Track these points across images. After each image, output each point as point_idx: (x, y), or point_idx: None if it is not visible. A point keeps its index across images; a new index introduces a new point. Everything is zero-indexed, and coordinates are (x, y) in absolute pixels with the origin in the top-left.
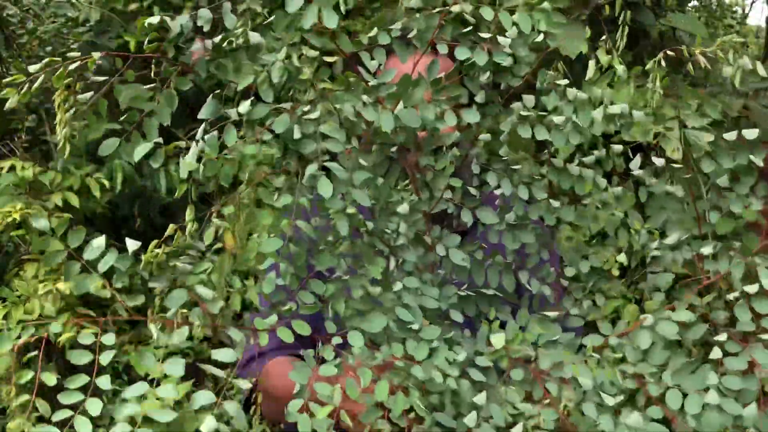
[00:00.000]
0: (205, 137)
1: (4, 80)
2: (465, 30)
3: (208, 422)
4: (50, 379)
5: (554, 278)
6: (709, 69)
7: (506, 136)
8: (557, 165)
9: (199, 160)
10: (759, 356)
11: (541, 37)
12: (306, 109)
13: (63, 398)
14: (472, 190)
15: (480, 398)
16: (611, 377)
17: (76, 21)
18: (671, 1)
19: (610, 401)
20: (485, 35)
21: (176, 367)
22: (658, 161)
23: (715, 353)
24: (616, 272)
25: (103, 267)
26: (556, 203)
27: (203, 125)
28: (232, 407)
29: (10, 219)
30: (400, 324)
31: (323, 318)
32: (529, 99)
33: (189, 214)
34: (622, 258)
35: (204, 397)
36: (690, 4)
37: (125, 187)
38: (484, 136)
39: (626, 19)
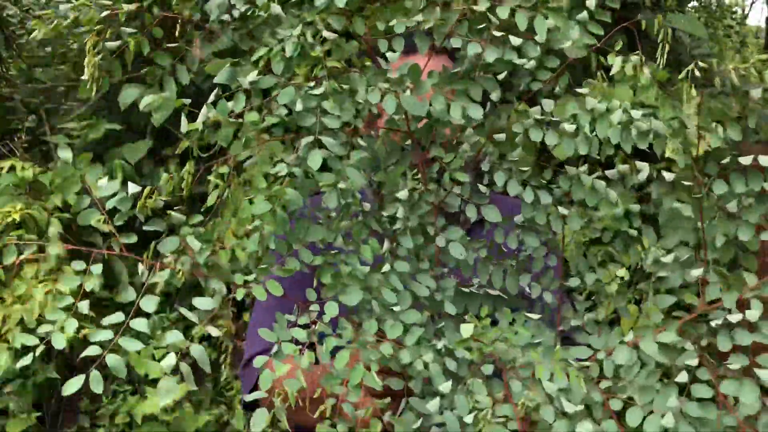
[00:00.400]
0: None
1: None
2: (479, 27)
3: (169, 359)
4: (39, 293)
5: (558, 285)
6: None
7: (521, 138)
8: (570, 173)
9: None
10: (725, 388)
11: (569, 43)
12: (311, 84)
13: (48, 314)
14: (482, 188)
15: (445, 386)
16: (577, 384)
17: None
18: (671, 2)
19: (570, 408)
20: (497, 33)
21: (150, 302)
22: (669, 176)
23: (682, 377)
24: (615, 286)
25: (110, 204)
26: (564, 211)
27: (215, 91)
28: (196, 349)
29: (10, 219)
30: (384, 304)
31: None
32: (548, 103)
33: (188, 167)
34: (622, 272)
35: (173, 335)
36: (690, 5)
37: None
38: (498, 136)
39: (666, 38)
